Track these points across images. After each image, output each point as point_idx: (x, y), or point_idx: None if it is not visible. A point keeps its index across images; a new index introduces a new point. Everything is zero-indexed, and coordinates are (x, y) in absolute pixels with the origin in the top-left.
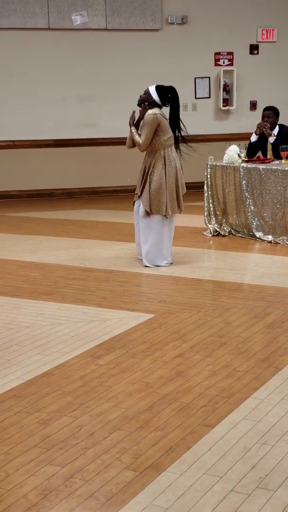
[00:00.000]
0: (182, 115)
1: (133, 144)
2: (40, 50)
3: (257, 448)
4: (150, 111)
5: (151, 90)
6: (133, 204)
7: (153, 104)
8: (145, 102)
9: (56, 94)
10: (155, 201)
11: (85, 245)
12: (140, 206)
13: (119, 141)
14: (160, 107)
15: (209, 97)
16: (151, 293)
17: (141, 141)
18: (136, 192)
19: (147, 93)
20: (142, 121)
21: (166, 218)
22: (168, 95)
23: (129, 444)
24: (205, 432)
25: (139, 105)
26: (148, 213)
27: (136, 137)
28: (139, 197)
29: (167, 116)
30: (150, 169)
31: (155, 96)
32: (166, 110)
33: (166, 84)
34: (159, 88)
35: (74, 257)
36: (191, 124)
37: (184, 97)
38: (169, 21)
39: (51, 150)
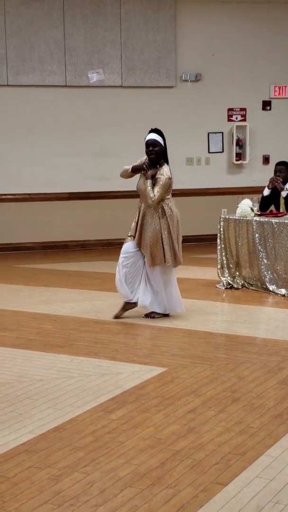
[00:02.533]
0: (196, 169)
1: (128, 176)
2: (57, 106)
3: (270, 507)
4: (166, 171)
5: (160, 139)
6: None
7: (162, 156)
8: (160, 155)
9: (72, 149)
10: (158, 253)
11: (98, 297)
12: (136, 251)
13: (132, 195)
14: (166, 158)
15: (222, 151)
16: (164, 346)
17: (154, 198)
18: (130, 234)
19: (159, 145)
20: (156, 178)
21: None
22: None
23: (140, 502)
24: (218, 490)
25: (155, 161)
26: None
27: (149, 191)
28: (138, 245)
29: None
30: (146, 217)
31: (163, 144)
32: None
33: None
34: (161, 134)
35: (87, 309)
36: (204, 177)
37: (198, 151)
38: (183, 78)
39: (66, 203)
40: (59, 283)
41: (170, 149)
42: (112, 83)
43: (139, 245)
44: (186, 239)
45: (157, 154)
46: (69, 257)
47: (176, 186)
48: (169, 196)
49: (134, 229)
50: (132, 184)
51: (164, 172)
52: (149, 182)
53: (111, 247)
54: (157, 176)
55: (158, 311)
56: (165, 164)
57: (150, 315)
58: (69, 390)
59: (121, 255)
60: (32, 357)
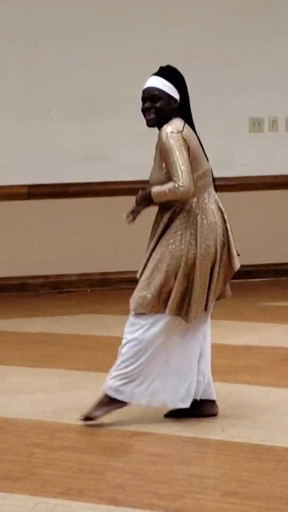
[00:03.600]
0: (269, 140)
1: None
2: None
3: None
4: (167, 128)
5: (166, 87)
6: None
7: (172, 113)
8: (166, 115)
9: (33, 104)
10: (160, 295)
11: (82, 382)
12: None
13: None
14: (187, 114)
15: None
16: (209, 476)
17: (182, 180)
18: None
19: (163, 97)
20: (158, 151)
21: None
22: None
23: None
24: None
25: (158, 126)
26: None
27: (166, 185)
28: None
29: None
30: (162, 234)
31: (175, 94)
32: None
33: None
34: (174, 76)
35: (65, 406)
36: (284, 154)
37: (273, 106)
38: None
39: (24, 204)
40: (9, 358)
41: (214, 103)
42: None
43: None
44: (251, 271)
45: (159, 115)
46: (29, 307)
47: (228, 170)
48: (201, 184)
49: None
50: (147, 169)
51: (164, 130)
52: (156, 188)
53: (109, 288)
54: (160, 146)
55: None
56: (176, 119)
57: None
58: None
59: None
60: None
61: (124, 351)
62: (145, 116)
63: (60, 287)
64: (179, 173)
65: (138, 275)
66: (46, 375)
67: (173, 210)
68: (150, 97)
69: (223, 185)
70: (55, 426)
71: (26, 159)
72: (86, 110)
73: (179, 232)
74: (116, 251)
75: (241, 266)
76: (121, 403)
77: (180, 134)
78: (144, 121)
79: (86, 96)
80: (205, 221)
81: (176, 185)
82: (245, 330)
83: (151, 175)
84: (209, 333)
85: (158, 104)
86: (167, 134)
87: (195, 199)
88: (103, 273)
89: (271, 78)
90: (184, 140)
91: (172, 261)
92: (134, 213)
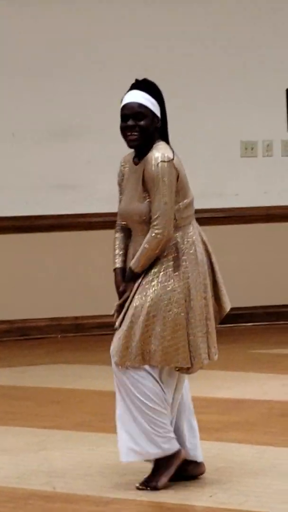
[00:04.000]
0: (262, 165)
1: None
2: None
3: None
4: (157, 154)
5: (150, 103)
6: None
7: (155, 133)
8: (150, 135)
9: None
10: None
11: (51, 442)
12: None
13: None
14: (166, 136)
15: None
16: None
17: (160, 221)
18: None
19: (148, 115)
20: (145, 180)
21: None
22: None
23: None
24: None
25: (141, 147)
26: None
27: (142, 248)
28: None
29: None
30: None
31: (158, 113)
32: None
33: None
34: (156, 91)
35: (32, 470)
36: (280, 182)
37: (266, 129)
38: None
39: None
40: None
41: (205, 125)
42: None
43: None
44: (243, 315)
45: (143, 135)
46: None
47: (218, 201)
48: (187, 215)
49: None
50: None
51: (153, 157)
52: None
53: (83, 334)
54: (145, 174)
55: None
56: (160, 143)
57: (151, 483)
58: None
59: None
60: None
61: None
62: (126, 136)
63: (27, 334)
64: (160, 214)
65: (117, 323)
66: (10, 434)
67: (162, 259)
68: (134, 114)
69: (212, 217)
70: (21, 493)
71: None
72: (56, 133)
73: (163, 272)
74: (91, 293)
75: (232, 309)
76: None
77: (171, 162)
78: (122, 145)
79: (55, 118)
80: (193, 257)
81: (154, 234)
82: (236, 381)
83: (125, 206)
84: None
85: (142, 123)
86: (157, 163)
87: (180, 233)
88: (76, 318)
89: (264, 98)
90: (175, 169)
91: (164, 305)
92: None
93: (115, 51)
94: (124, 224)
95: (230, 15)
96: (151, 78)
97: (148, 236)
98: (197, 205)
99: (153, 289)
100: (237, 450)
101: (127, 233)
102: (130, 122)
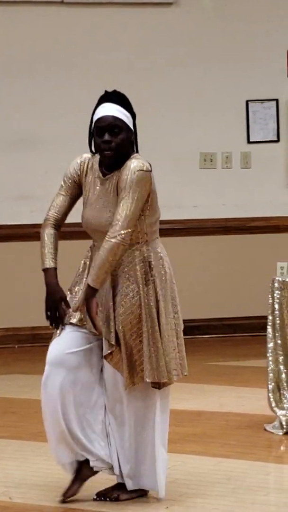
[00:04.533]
0: (221, 177)
1: None
2: None
3: None
4: (136, 163)
5: (125, 116)
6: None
7: (130, 146)
8: (126, 150)
9: None
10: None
11: (7, 452)
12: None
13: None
14: (136, 148)
15: (278, 140)
16: None
17: (121, 227)
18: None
19: (125, 128)
20: (111, 187)
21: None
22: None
23: None
24: None
25: (117, 162)
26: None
27: (100, 258)
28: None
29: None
30: (117, 292)
31: (131, 126)
32: None
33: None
34: (128, 104)
35: None
36: (239, 195)
37: (225, 139)
38: None
39: None
40: None
41: (164, 136)
42: None
43: (97, 328)
44: (200, 327)
45: (119, 150)
46: None
47: (176, 213)
48: (156, 229)
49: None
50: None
51: (132, 165)
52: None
53: (40, 344)
54: (119, 183)
55: (129, 485)
56: (137, 155)
57: (112, 494)
58: None
59: (50, 367)
60: None
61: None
62: (101, 150)
63: None
64: (123, 220)
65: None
66: None
67: (133, 268)
68: (110, 128)
69: (170, 229)
70: None
71: None
72: (14, 142)
73: (132, 287)
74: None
75: (189, 320)
76: None
77: (149, 173)
78: (79, 155)
79: (13, 126)
80: (162, 272)
81: (114, 239)
82: (193, 393)
83: (94, 217)
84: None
85: (119, 138)
86: (136, 170)
87: (148, 247)
88: (33, 328)
89: (224, 110)
90: (151, 182)
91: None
92: (95, 320)
93: (74, 61)
94: (57, 218)
95: (191, 28)
96: (110, 89)
97: (104, 243)
98: None
99: (129, 298)
100: (194, 462)
101: (59, 231)
102: (106, 137)
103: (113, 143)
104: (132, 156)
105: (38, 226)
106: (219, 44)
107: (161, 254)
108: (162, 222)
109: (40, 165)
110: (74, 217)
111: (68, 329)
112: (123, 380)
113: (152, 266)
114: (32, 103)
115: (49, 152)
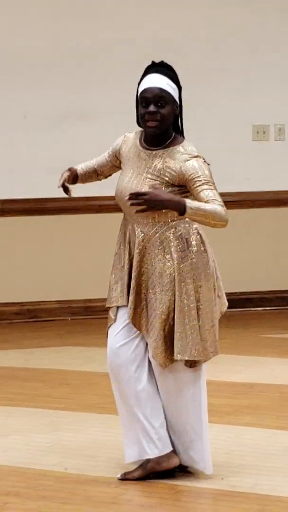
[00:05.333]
0: (274, 150)
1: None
2: None
3: None
4: (190, 149)
5: (171, 89)
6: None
7: (174, 121)
8: (169, 124)
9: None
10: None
11: (62, 423)
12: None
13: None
14: (181, 124)
15: None
16: None
17: (221, 205)
18: (113, 305)
19: (171, 101)
20: (182, 172)
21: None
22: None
23: None
24: None
25: (160, 136)
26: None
27: (208, 208)
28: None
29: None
30: (145, 261)
31: (177, 97)
32: None
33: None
34: (176, 77)
35: (43, 450)
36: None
37: (279, 112)
38: None
39: None
40: None
41: (216, 109)
42: None
43: (138, 325)
44: (253, 299)
45: (164, 122)
46: (2, 338)
47: (228, 185)
48: None
49: (124, 291)
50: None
51: (193, 151)
52: (193, 204)
53: (93, 317)
54: (182, 167)
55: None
56: (181, 139)
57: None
58: None
59: (111, 360)
60: None
61: None
62: (145, 121)
63: (37, 316)
64: (220, 201)
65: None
66: (21, 415)
67: (167, 248)
68: (157, 99)
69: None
70: (32, 473)
71: None
72: (66, 116)
73: (169, 264)
74: (101, 276)
75: (242, 293)
76: None
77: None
78: (133, 128)
79: (65, 101)
80: (202, 248)
81: (224, 211)
82: (247, 365)
83: (132, 189)
84: None
85: (164, 110)
86: (200, 160)
87: (185, 224)
88: (86, 300)
89: (277, 81)
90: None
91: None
92: (140, 201)
93: (117, 35)
94: (95, 165)
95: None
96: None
97: (219, 208)
98: None
99: (164, 278)
100: (248, 433)
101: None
102: (151, 108)
103: (158, 115)
104: (174, 138)
105: (90, 199)
106: (270, 14)
107: (198, 230)
108: None
109: (93, 137)
110: (106, 189)
111: (119, 322)
112: (159, 359)
113: (189, 243)
114: (82, 77)
115: (102, 125)
